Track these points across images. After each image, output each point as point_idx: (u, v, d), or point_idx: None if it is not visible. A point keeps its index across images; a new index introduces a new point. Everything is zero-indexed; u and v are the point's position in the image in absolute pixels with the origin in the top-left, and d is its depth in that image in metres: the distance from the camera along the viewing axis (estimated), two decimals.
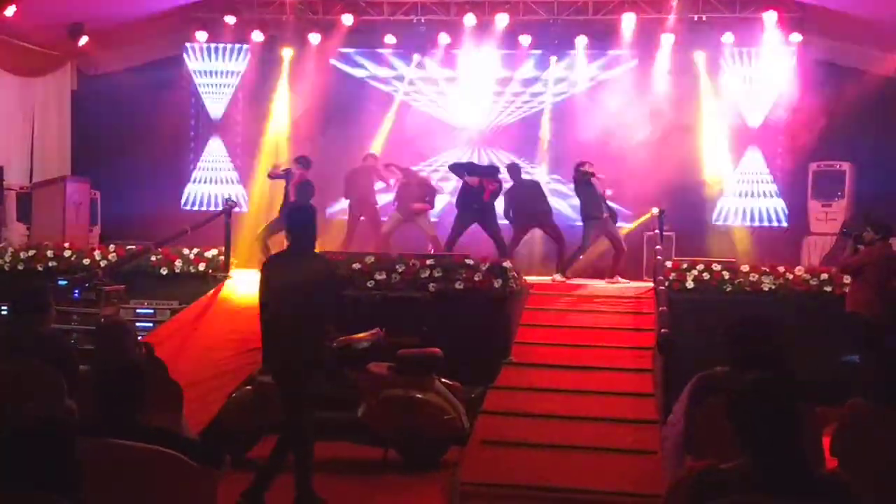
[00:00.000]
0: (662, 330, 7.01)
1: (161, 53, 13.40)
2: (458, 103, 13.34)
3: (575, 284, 10.23)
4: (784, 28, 12.19)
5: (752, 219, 12.69)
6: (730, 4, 12.30)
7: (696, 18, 12.45)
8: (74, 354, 4.97)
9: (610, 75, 13.00)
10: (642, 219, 11.68)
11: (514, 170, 11.17)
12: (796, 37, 12.17)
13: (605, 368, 7.76)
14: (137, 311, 9.28)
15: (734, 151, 12.78)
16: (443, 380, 6.97)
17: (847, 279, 8.48)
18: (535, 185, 11.29)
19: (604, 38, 12.76)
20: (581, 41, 12.80)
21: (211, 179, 13.67)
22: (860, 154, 12.01)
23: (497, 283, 8.60)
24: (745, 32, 12.42)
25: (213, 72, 13.61)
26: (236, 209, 11.24)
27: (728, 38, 12.47)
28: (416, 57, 13.24)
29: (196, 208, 13.36)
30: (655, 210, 10.71)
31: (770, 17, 12.09)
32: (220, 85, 13.64)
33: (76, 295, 9.07)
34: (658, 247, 9.45)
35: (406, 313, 8.33)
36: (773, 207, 12.67)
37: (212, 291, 9.56)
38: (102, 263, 9.79)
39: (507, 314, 8.57)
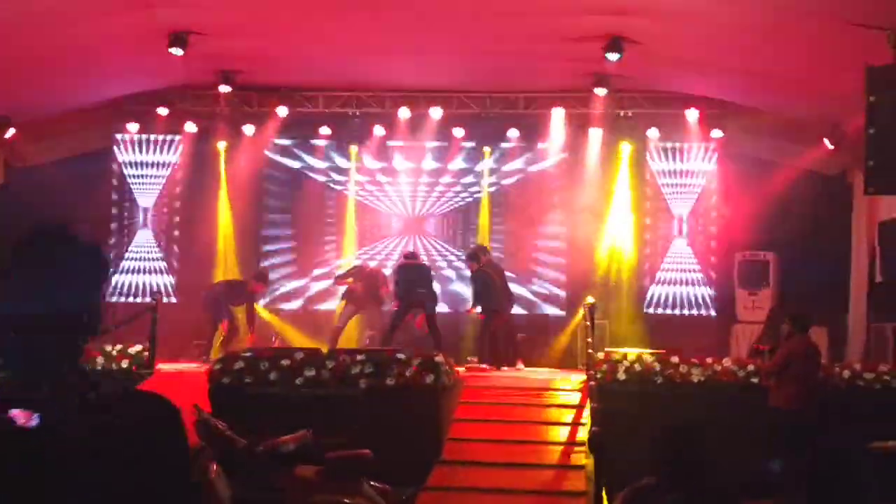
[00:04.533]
0: (592, 428, 6.98)
1: (91, 145, 13.23)
2: (392, 193, 13.47)
3: (510, 377, 10.20)
4: (706, 124, 12.65)
5: (682, 306, 12.92)
6: (654, 101, 12.72)
7: (621, 114, 12.85)
8: None
9: (541, 167, 13.32)
10: (580, 314, 11.80)
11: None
12: (717, 132, 12.64)
13: (539, 466, 7.67)
14: None
15: (662, 241, 13.10)
16: (372, 482, 6.79)
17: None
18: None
19: (534, 131, 13.07)
20: (512, 134, 13.11)
21: (139, 269, 13.40)
22: (783, 244, 12.38)
23: (429, 379, 8.50)
24: (669, 128, 12.86)
25: (144, 163, 13.48)
26: (165, 300, 11.01)
27: (653, 132, 12.92)
28: (352, 149, 13.36)
29: (123, 299, 13.04)
30: (590, 299, 10.82)
31: (692, 114, 12.54)
32: (151, 176, 13.50)
33: None
34: (589, 339, 9.47)
35: (337, 411, 8.15)
36: (701, 296, 12.93)
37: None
38: None
39: (439, 410, 8.44)
